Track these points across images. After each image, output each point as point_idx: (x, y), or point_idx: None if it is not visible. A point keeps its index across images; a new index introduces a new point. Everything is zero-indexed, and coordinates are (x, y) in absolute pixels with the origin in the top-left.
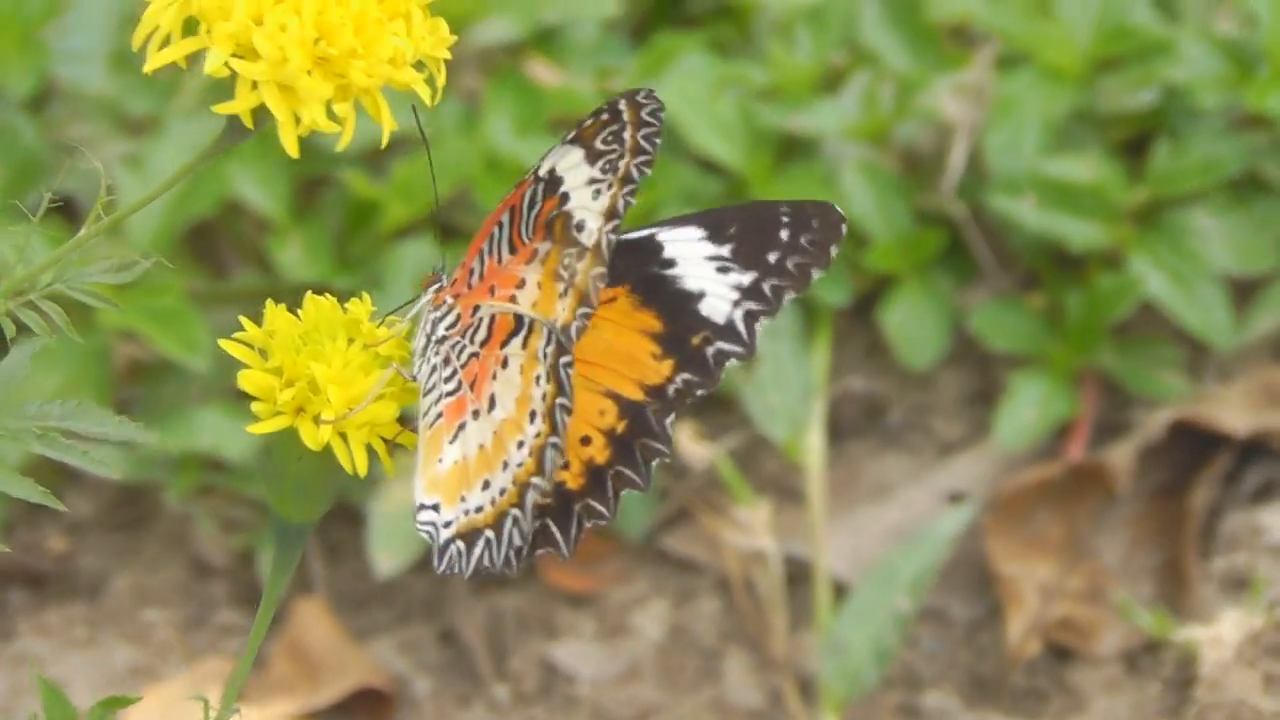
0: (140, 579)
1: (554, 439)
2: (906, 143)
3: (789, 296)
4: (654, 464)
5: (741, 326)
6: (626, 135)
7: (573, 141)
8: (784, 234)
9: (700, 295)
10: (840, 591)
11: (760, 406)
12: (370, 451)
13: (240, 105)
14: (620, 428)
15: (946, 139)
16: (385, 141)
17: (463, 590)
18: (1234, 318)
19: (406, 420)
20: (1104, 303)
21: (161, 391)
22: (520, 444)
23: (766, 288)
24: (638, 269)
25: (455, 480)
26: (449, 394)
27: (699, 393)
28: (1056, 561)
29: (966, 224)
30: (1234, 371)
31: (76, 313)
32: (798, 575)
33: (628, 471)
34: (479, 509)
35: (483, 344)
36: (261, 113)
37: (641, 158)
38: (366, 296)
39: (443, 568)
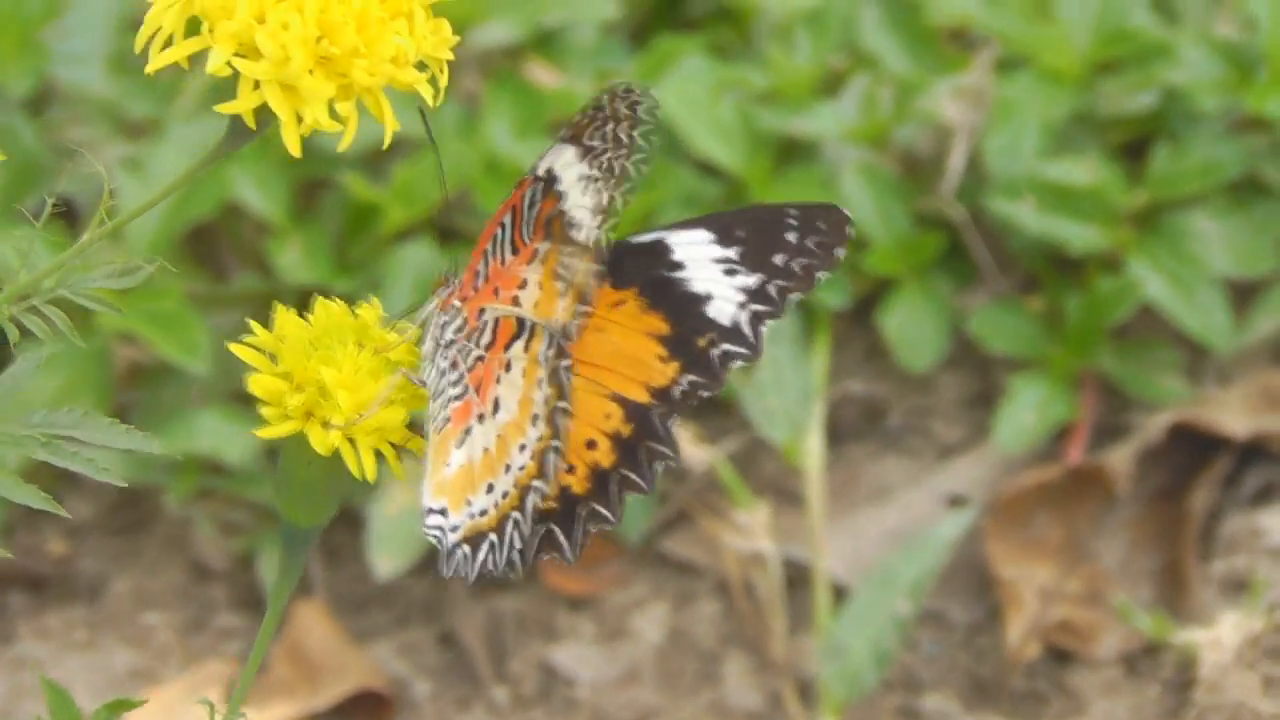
0: (140, 582)
1: (555, 442)
2: (906, 145)
3: (794, 298)
4: (658, 467)
5: (747, 328)
6: (614, 130)
7: (566, 139)
8: (791, 236)
9: (707, 298)
10: (840, 594)
11: (760, 409)
12: (377, 456)
13: (243, 105)
14: (625, 431)
15: (946, 142)
16: (388, 142)
17: (462, 593)
18: (1233, 320)
19: (415, 425)
20: (1103, 305)
21: (161, 394)
22: (522, 447)
23: (772, 289)
24: (646, 272)
25: (461, 484)
26: (456, 398)
27: (704, 394)
28: (1056, 564)
29: (966, 227)
30: (1233, 374)
31: (77, 316)
32: (797, 578)
33: (632, 475)
34: (483, 512)
35: (488, 347)
36: (263, 113)
37: (628, 151)
38: (376, 301)
39: (450, 571)
